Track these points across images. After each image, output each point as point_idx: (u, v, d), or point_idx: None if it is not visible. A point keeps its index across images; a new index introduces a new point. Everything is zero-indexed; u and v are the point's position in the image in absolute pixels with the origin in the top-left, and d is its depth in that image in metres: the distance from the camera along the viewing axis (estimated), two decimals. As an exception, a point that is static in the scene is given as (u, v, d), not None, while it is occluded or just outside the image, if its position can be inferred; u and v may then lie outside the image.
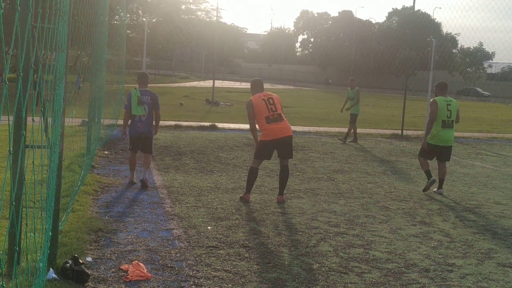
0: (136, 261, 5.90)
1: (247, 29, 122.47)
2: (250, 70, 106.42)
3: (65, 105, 5.58)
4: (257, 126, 9.54)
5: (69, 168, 9.69)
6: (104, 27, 12.63)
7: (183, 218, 7.90)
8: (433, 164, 11.39)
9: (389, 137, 21.24)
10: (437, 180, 10.98)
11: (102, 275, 5.57)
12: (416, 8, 25.23)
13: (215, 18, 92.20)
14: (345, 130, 21.87)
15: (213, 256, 6.33)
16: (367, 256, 6.64)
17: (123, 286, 5.37)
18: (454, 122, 10.86)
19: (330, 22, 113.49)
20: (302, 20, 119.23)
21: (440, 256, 6.81)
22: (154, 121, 10.27)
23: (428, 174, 10.84)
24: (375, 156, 15.75)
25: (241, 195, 9.47)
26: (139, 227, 7.38)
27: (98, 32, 10.87)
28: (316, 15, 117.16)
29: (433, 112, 10.80)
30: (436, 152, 10.99)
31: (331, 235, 7.48)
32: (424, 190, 10.81)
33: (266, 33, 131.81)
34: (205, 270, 5.88)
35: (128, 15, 59.47)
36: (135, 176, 10.43)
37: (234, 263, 6.15)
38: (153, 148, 10.58)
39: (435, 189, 10.90)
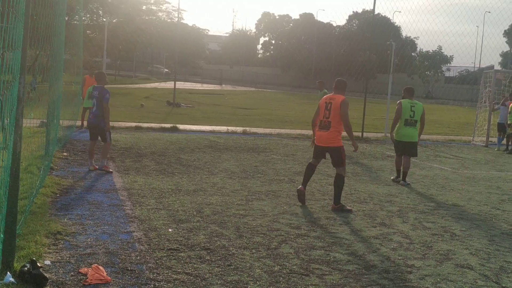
0: (95, 264, 5.82)
1: (208, 30, 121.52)
2: (211, 71, 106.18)
3: (23, 105, 5.48)
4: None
5: (27, 170, 9.53)
6: (62, 27, 12.47)
7: (144, 221, 7.83)
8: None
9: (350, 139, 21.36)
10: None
11: (60, 279, 5.48)
12: (376, 12, 25.48)
13: (176, 19, 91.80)
14: (307, 132, 22.00)
15: (174, 259, 6.28)
16: (328, 258, 6.67)
17: (82, 290, 5.29)
18: (417, 122, 12.20)
19: (291, 24, 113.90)
20: (263, 22, 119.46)
21: (399, 258, 6.87)
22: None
23: (398, 173, 12.52)
24: (335, 158, 15.82)
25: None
26: (98, 229, 7.28)
27: (57, 32, 10.73)
28: (277, 17, 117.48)
29: (397, 112, 12.23)
30: (401, 147, 12.33)
31: (292, 237, 7.49)
32: (394, 181, 12.48)
33: (227, 34, 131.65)
34: (166, 273, 5.82)
35: (88, 15, 58.81)
36: (93, 164, 11.73)
37: (195, 265, 6.11)
38: (108, 137, 11.70)
39: (402, 182, 12.25)
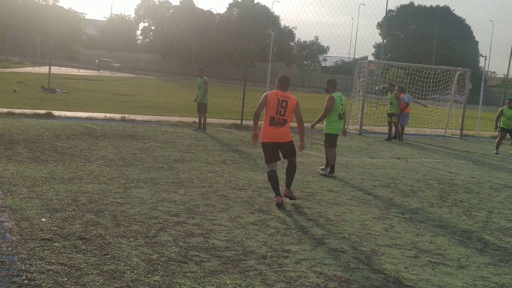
0: (-38, 257, 5.53)
1: (85, 14, 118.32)
2: (89, 56, 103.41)
3: None
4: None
5: None
6: None
7: (15, 210, 7.51)
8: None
9: (229, 127, 21.56)
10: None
11: None
12: (255, 1, 25.72)
13: (51, 2, 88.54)
14: (186, 119, 21.97)
15: (47, 249, 6.07)
16: (207, 245, 6.69)
17: None
18: (344, 114, 12.71)
19: (171, 10, 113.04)
20: (143, 8, 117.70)
21: (276, 243, 7.00)
22: None
23: (333, 168, 12.54)
24: (215, 146, 15.91)
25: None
26: (-35, 220, 6.92)
27: None
28: (157, 3, 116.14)
29: (328, 108, 12.44)
30: (335, 140, 12.72)
31: (170, 224, 7.45)
32: (324, 175, 12.48)
33: (105, 19, 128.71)
34: (39, 264, 5.62)
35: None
36: None
37: (70, 255, 5.94)
38: None
39: (329, 174, 12.47)
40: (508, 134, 20.57)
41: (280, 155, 9.62)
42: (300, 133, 9.83)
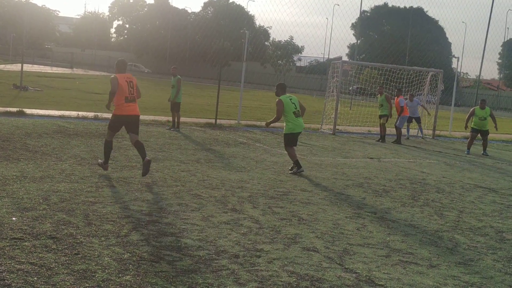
0: None
1: (59, 11, 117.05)
2: (62, 54, 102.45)
3: None
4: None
5: None
6: None
7: (-15, 209, 7.42)
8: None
9: (203, 126, 21.52)
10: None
11: None
12: (230, 0, 25.70)
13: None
14: (160, 118, 21.91)
15: (17, 249, 6.00)
16: (179, 244, 6.66)
17: None
18: (299, 111, 13.01)
19: (146, 9, 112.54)
20: (117, 6, 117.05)
21: (249, 242, 7.00)
22: None
23: (298, 163, 12.74)
24: (189, 145, 15.87)
25: (101, 162, 10.83)
26: None
27: None
28: (131, 1, 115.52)
29: (279, 110, 12.79)
30: (296, 138, 13.06)
31: (143, 223, 7.41)
32: (294, 173, 12.64)
33: (79, 17, 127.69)
34: (9, 263, 5.55)
35: None
36: None
37: (40, 255, 5.88)
38: None
39: (298, 171, 12.70)
40: (479, 135, 20.80)
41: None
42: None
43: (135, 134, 11.04)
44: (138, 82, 11.45)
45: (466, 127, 21.04)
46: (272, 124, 13.58)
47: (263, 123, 23.98)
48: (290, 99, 12.95)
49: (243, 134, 20.01)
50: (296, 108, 12.92)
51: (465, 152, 20.49)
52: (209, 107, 30.10)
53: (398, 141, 21.99)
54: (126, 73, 11.24)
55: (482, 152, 20.85)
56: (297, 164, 12.75)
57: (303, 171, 12.67)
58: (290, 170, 12.83)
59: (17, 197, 8.22)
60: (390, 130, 24.40)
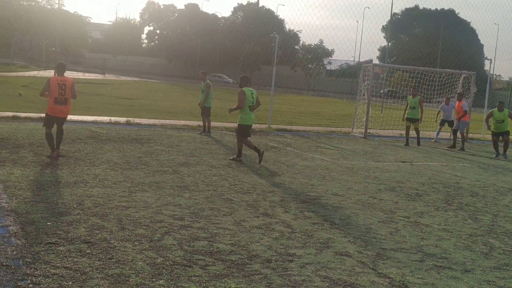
0: (-33, 261, 5.53)
1: (91, 18, 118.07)
2: (94, 60, 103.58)
3: None
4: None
5: None
6: None
7: (21, 214, 7.52)
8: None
9: (234, 130, 21.51)
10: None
11: None
12: (260, 4, 25.88)
13: (56, 6, 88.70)
14: (191, 123, 22.00)
15: (52, 253, 6.08)
16: (211, 249, 6.68)
17: (-48, 288, 5.01)
18: (254, 106, 13.85)
19: (176, 14, 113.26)
20: (148, 12, 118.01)
21: (281, 247, 6.99)
22: None
23: (257, 149, 13.73)
24: (220, 149, 15.92)
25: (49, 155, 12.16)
26: (-29, 224, 6.93)
27: None
28: (162, 7, 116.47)
29: (241, 100, 13.62)
30: (248, 130, 13.98)
31: (175, 228, 7.45)
32: (233, 159, 13.87)
33: (111, 23, 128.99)
34: (44, 268, 5.63)
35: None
36: None
37: (74, 259, 5.94)
38: None
39: (236, 158, 13.92)
40: (500, 137, 20.39)
41: None
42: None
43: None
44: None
45: (488, 127, 20.64)
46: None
47: (294, 128, 24.03)
48: (251, 93, 13.81)
49: (274, 138, 20.00)
50: (253, 103, 13.81)
51: (494, 156, 20.16)
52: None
53: (462, 147, 21.59)
54: (61, 76, 12.57)
55: (502, 154, 20.34)
56: (239, 152, 13.96)
57: (241, 160, 13.79)
58: (231, 157, 14.08)
59: (52, 202, 8.33)
60: (420, 133, 24.15)
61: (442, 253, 7.33)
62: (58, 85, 12.27)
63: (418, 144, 21.66)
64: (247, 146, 13.97)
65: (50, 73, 47.63)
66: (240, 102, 13.65)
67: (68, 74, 63.23)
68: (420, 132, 22.40)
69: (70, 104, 12.69)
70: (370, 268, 6.48)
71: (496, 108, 20.45)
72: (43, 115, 20.27)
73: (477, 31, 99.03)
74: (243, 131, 13.87)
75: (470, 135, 26.62)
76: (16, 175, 10.05)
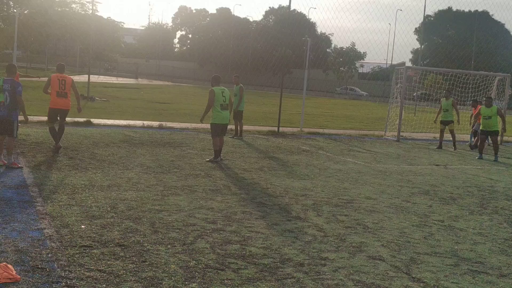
0: (3, 263, 5.61)
1: (124, 23, 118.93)
2: (127, 65, 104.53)
3: None
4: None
5: None
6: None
7: (55, 217, 7.62)
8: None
9: (266, 134, 21.55)
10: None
11: (-34, 279, 5.25)
12: (292, 8, 25.83)
13: (90, 11, 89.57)
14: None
15: (86, 256, 6.14)
16: (244, 252, 6.69)
17: (-11, 290, 5.10)
18: (228, 105, 14.05)
19: (208, 19, 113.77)
20: (180, 16, 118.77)
21: (314, 250, 6.97)
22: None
23: (217, 153, 13.85)
24: (252, 153, 15.93)
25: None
26: (7, 227, 7.04)
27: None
28: (194, 11, 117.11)
29: (211, 99, 13.82)
30: (220, 129, 13.94)
31: (208, 231, 7.47)
32: (210, 161, 13.73)
33: (143, 28, 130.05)
34: (78, 271, 5.69)
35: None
36: (1, 158, 11.39)
37: (108, 262, 6.00)
38: (14, 131, 11.50)
39: (213, 159, 13.80)
40: (489, 137, 19.47)
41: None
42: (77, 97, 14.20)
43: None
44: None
45: (470, 123, 19.75)
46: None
47: (326, 131, 23.96)
48: (222, 92, 13.95)
49: (306, 142, 19.96)
50: (225, 102, 13.93)
51: (477, 158, 18.90)
52: (272, 115, 30.13)
53: (455, 146, 21.22)
54: (61, 74, 13.90)
55: (493, 158, 18.85)
56: (216, 154, 13.84)
57: (218, 161, 13.70)
58: (208, 159, 13.85)
59: (86, 205, 8.42)
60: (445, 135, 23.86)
61: (477, 258, 7.24)
62: (58, 80, 13.68)
63: (454, 147, 21.19)
64: (213, 144, 13.92)
65: (85, 77, 48.14)
66: (209, 101, 13.85)
67: (102, 79, 63.49)
68: (458, 135, 21.92)
69: (69, 99, 13.93)
70: (403, 272, 6.42)
71: (483, 105, 19.30)
72: (77, 119, 20.62)
73: (511, 33, 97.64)
74: (213, 130, 13.88)
75: (505, 138, 26.24)
76: (51, 179, 10.19)
